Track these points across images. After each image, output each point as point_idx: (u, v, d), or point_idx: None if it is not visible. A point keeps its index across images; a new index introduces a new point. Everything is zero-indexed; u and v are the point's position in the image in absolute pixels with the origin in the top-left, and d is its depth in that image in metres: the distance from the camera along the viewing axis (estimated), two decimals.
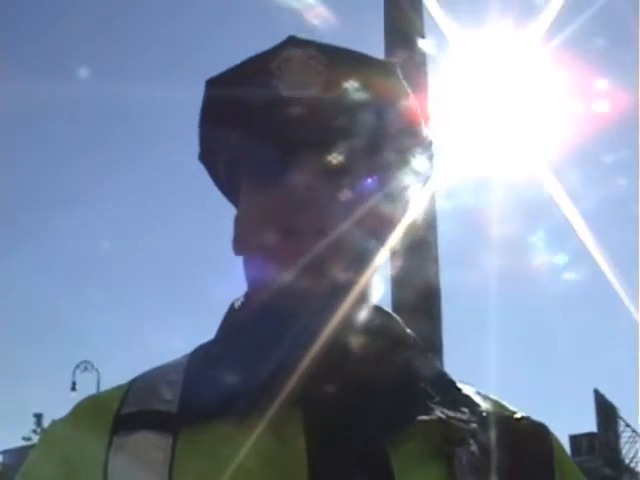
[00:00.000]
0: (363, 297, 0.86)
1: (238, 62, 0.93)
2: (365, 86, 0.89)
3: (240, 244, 0.91)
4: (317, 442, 0.77)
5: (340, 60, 0.90)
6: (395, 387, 0.82)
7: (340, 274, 0.83)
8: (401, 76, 0.94)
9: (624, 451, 18.09)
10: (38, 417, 20.00)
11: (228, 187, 0.95)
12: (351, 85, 0.88)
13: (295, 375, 0.78)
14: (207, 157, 0.96)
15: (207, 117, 0.94)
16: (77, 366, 18.88)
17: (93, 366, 18.78)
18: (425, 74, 4.05)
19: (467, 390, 0.87)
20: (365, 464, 0.77)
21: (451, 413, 0.81)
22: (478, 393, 0.88)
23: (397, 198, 0.91)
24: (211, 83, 0.94)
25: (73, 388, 18.51)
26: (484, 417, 0.83)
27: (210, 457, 0.77)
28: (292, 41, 0.91)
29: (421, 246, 3.54)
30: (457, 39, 3.81)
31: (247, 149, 0.88)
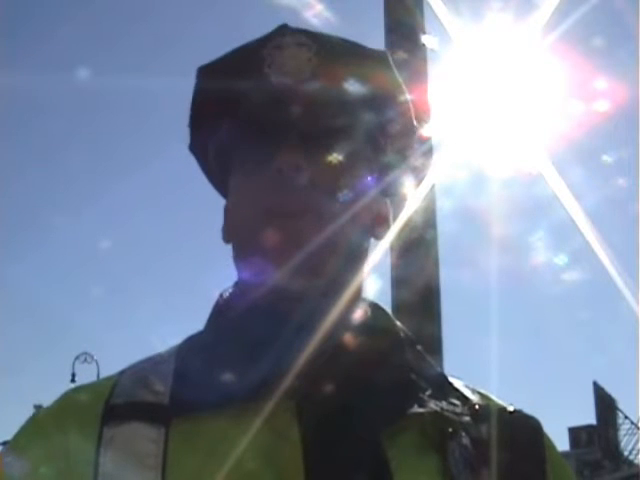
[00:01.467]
0: (357, 295, 0.86)
1: (230, 50, 0.92)
2: (357, 77, 0.88)
3: (229, 232, 0.90)
4: (312, 434, 0.76)
5: (331, 48, 0.89)
6: (389, 381, 0.81)
7: (335, 273, 0.83)
8: (394, 66, 0.94)
9: (623, 443, 18.16)
10: (38, 408, 19.98)
11: (218, 177, 0.94)
12: (343, 74, 0.87)
13: (290, 371, 0.78)
14: (198, 147, 0.94)
15: (198, 105, 0.92)
16: (77, 357, 18.87)
17: (93, 358, 18.79)
18: (426, 69, 4.03)
19: (457, 384, 0.87)
20: (361, 456, 0.76)
21: (445, 405, 0.81)
22: (466, 386, 0.88)
23: (393, 195, 0.91)
24: (203, 70, 0.93)
25: (73, 379, 18.52)
26: (476, 410, 0.83)
27: (204, 449, 0.76)
28: (283, 29, 0.90)
29: (421, 245, 3.54)
30: (458, 34, 3.79)
31: (238, 136, 0.87)
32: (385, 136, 0.91)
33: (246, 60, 0.89)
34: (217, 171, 0.93)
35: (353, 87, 0.87)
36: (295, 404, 0.77)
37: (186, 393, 0.79)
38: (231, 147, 0.88)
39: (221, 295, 0.90)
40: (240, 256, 0.87)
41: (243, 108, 0.86)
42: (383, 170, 0.91)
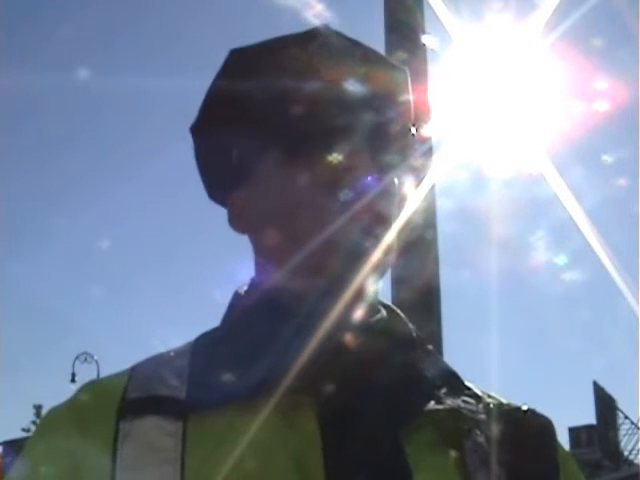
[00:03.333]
0: (362, 294, 0.86)
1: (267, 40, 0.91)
2: (392, 86, 0.91)
3: (255, 222, 0.89)
4: (330, 427, 0.76)
5: (372, 56, 0.91)
6: (404, 379, 0.82)
7: (337, 272, 0.83)
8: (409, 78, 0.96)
9: (623, 443, 18.14)
10: (37, 408, 20.02)
11: (238, 164, 0.91)
12: (384, 83, 0.90)
13: (305, 365, 0.78)
14: (217, 128, 0.92)
15: (230, 85, 0.91)
16: (77, 357, 18.90)
17: (93, 357, 18.81)
18: (426, 69, 4.03)
19: (469, 384, 0.88)
20: (379, 452, 0.76)
21: (460, 403, 0.81)
22: (477, 389, 0.88)
23: (395, 195, 0.90)
24: (236, 54, 0.92)
25: (73, 379, 18.53)
26: (491, 408, 0.83)
27: (222, 443, 0.75)
28: (324, 28, 0.91)
29: (421, 245, 3.55)
30: (458, 34, 3.80)
31: (288, 126, 0.86)
32: (393, 138, 0.91)
33: (290, 50, 0.89)
34: (240, 159, 0.91)
35: (389, 95, 0.90)
36: (311, 397, 0.78)
37: (202, 388, 0.79)
38: (276, 137, 0.87)
39: (237, 292, 0.91)
40: (255, 263, 0.89)
41: (294, 98, 0.86)
42: (383, 169, 0.90)
